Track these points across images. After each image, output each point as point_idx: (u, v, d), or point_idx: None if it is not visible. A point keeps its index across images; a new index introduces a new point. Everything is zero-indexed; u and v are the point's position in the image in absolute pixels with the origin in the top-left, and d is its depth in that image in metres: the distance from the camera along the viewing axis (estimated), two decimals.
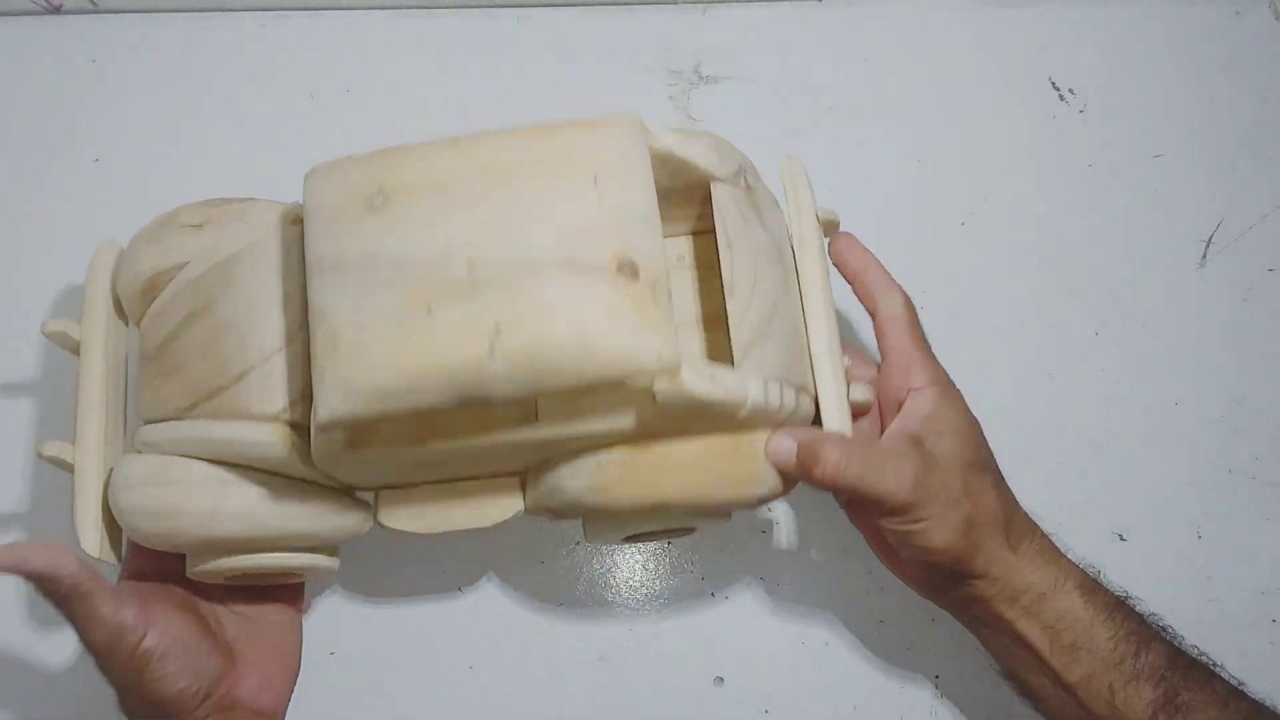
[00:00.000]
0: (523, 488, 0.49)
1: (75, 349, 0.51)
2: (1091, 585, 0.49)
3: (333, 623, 0.58)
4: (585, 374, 0.41)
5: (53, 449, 0.48)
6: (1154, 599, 0.59)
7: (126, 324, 0.52)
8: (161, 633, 0.46)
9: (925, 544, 0.47)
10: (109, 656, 0.45)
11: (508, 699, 0.57)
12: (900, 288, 0.51)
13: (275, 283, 0.47)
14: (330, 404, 0.41)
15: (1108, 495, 0.60)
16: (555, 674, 0.57)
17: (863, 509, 0.50)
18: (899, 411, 0.49)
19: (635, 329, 0.40)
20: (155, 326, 0.49)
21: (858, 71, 0.67)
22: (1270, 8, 0.70)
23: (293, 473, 0.47)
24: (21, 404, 0.60)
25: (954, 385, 0.51)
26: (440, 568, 0.58)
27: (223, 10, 0.67)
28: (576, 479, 0.46)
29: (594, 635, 0.58)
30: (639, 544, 0.58)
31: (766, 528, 0.60)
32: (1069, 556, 0.50)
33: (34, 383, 0.60)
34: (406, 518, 0.49)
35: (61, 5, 0.66)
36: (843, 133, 0.66)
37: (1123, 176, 0.66)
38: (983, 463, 0.50)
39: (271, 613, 0.53)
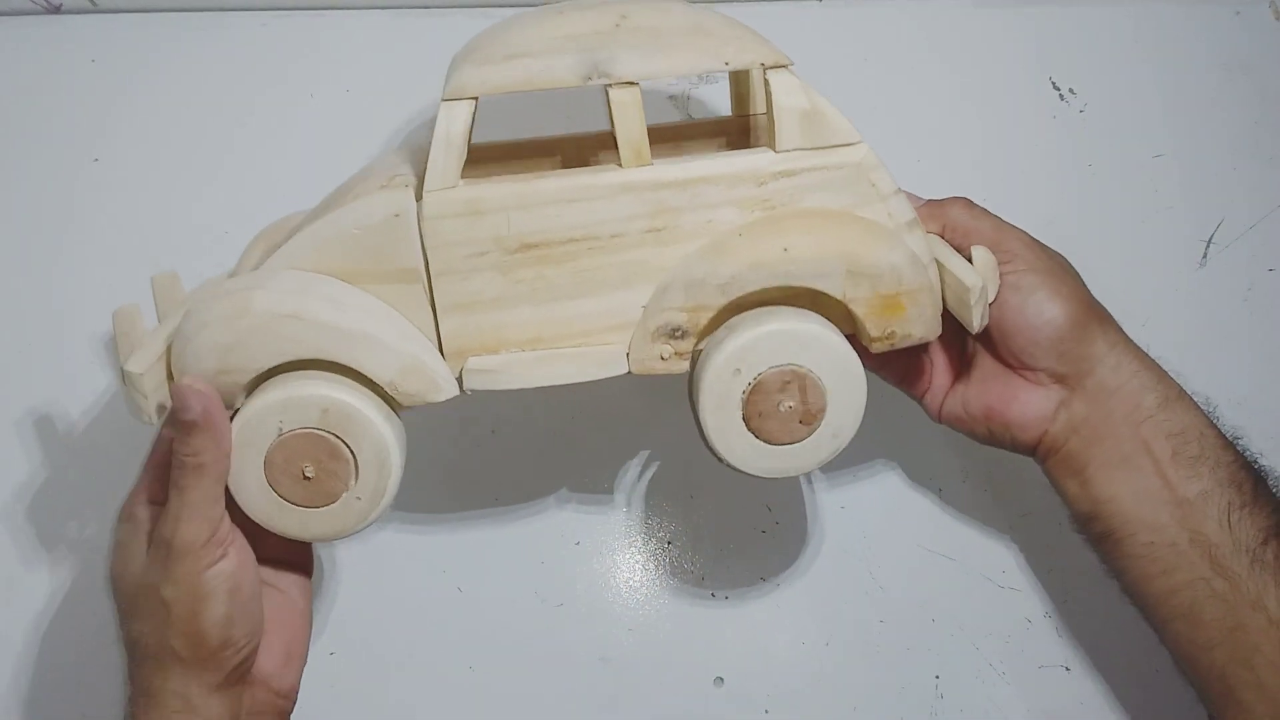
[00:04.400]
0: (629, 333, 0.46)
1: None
2: (1206, 412, 0.48)
3: (333, 623, 0.58)
4: (704, 50, 0.44)
5: (128, 307, 0.47)
6: None
7: None
8: (237, 567, 0.43)
9: (1046, 297, 0.47)
10: (178, 559, 0.42)
11: (508, 699, 0.57)
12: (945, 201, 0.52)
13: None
14: (464, 76, 0.43)
15: None
16: (555, 674, 0.57)
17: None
18: None
19: (746, 30, 0.46)
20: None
21: (858, 71, 0.67)
22: (1270, 8, 0.70)
23: (390, 261, 0.43)
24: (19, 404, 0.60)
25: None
26: (440, 568, 0.58)
27: (223, 10, 0.67)
28: (691, 258, 0.44)
29: (594, 635, 0.58)
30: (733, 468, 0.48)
31: (767, 527, 0.60)
32: None
33: (27, 388, 0.61)
34: (496, 367, 0.45)
35: (61, 5, 0.66)
36: None
37: (1123, 176, 0.66)
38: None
39: (291, 586, 0.49)
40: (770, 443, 0.46)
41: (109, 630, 0.47)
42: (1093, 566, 0.58)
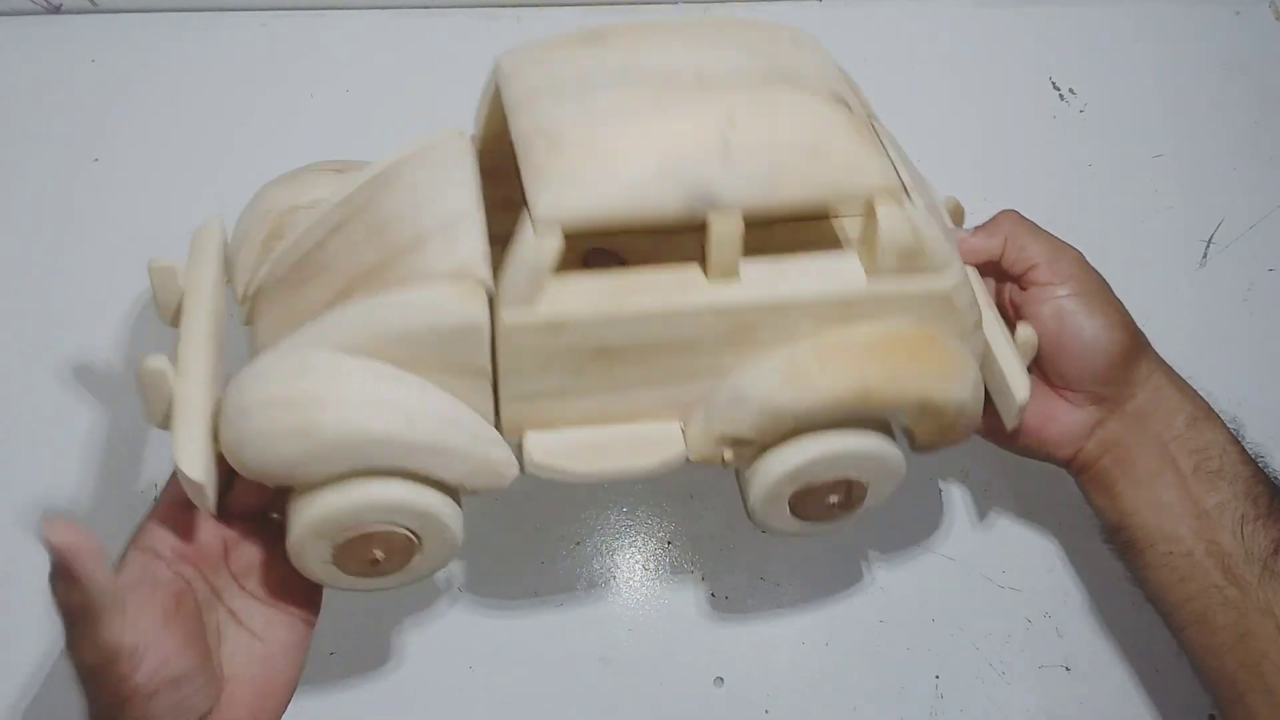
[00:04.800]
0: (683, 428, 0.45)
1: (175, 297, 0.46)
2: (1232, 431, 0.50)
3: (333, 623, 0.57)
4: (816, 180, 0.40)
5: (155, 360, 0.41)
6: None
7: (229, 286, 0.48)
8: (156, 667, 0.40)
9: (1101, 324, 0.49)
10: (92, 678, 0.40)
11: (508, 699, 0.57)
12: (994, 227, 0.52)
13: (446, 175, 0.43)
14: (557, 199, 0.38)
15: None
16: (555, 674, 0.57)
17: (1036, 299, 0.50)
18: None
19: (860, 144, 0.41)
20: (287, 256, 0.45)
21: (858, 71, 0.67)
22: (1270, 8, 0.70)
23: (457, 358, 0.41)
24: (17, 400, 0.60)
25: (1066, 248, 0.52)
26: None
27: (223, 10, 0.67)
28: (768, 378, 0.43)
29: (594, 635, 0.58)
30: (779, 534, 0.50)
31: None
32: None
33: (28, 388, 0.61)
34: (559, 456, 0.43)
35: (61, 5, 0.66)
36: None
37: (1123, 176, 0.66)
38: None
39: (281, 630, 0.45)
40: (808, 520, 0.48)
41: None
42: (1093, 567, 0.58)
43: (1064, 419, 0.51)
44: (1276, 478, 0.50)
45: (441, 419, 0.41)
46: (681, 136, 0.39)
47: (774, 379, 0.43)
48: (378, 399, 0.40)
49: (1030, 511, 0.60)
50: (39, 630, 0.57)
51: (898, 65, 0.67)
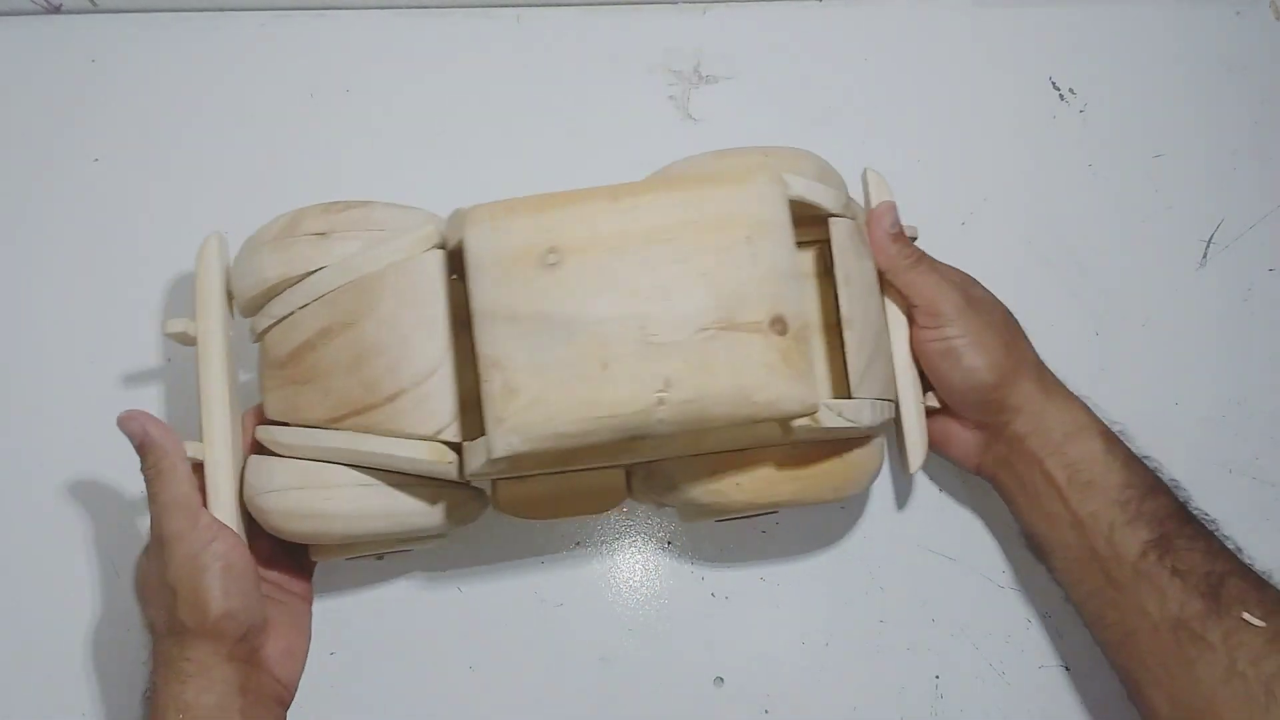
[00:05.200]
0: (627, 477, 0.54)
1: (190, 343, 0.52)
2: (1114, 438, 0.54)
3: (333, 623, 0.58)
4: (738, 417, 0.46)
5: (193, 449, 0.50)
6: None
7: (233, 314, 0.54)
8: (229, 549, 0.49)
9: (972, 363, 0.53)
10: (171, 547, 0.48)
11: (508, 699, 0.57)
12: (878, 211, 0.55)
13: (421, 309, 0.50)
14: (510, 443, 0.45)
15: None
16: (555, 674, 0.57)
17: (921, 332, 0.55)
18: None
19: (785, 380, 0.46)
20: (282, 332, 0.51)
21: (858, 71, 0.67)
22: (1270, 8, 0.70)
23: (434, 477, 0.50)
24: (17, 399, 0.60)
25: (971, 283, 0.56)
26: (440, 568, 0.58)
27: (223, 10, 0.67)
28: (696, 484, 0.52)
29: (594, 635, 0.58)
30: (721, 522, 0.59)
31: (767, 528, 0.60)
32: (1096, 415, 0.55)
33: (28, 388, 0.61)
34: (525, 507, 0.53)
35: (61, 5, 0.66)
36: (843, 132, 0.66)
37: (1123, 176, 0.66)
38: (1016, 322, 0.56)
39: (293, 586, 0.55)
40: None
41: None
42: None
43: (958, 438, 0.56)
44: (1157, 479, 0.53)
45: (421, 511, 0.51)
46: (621, 404, 0.45)
47: (700, 488, 0.52)
48: (368, 512, 0.50)
49: None
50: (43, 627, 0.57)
51: (898, 65, 0.67)
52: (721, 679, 0.58)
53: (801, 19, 0.68)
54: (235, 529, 0.50)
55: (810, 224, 0.53)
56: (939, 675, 0.58)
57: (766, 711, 0.57)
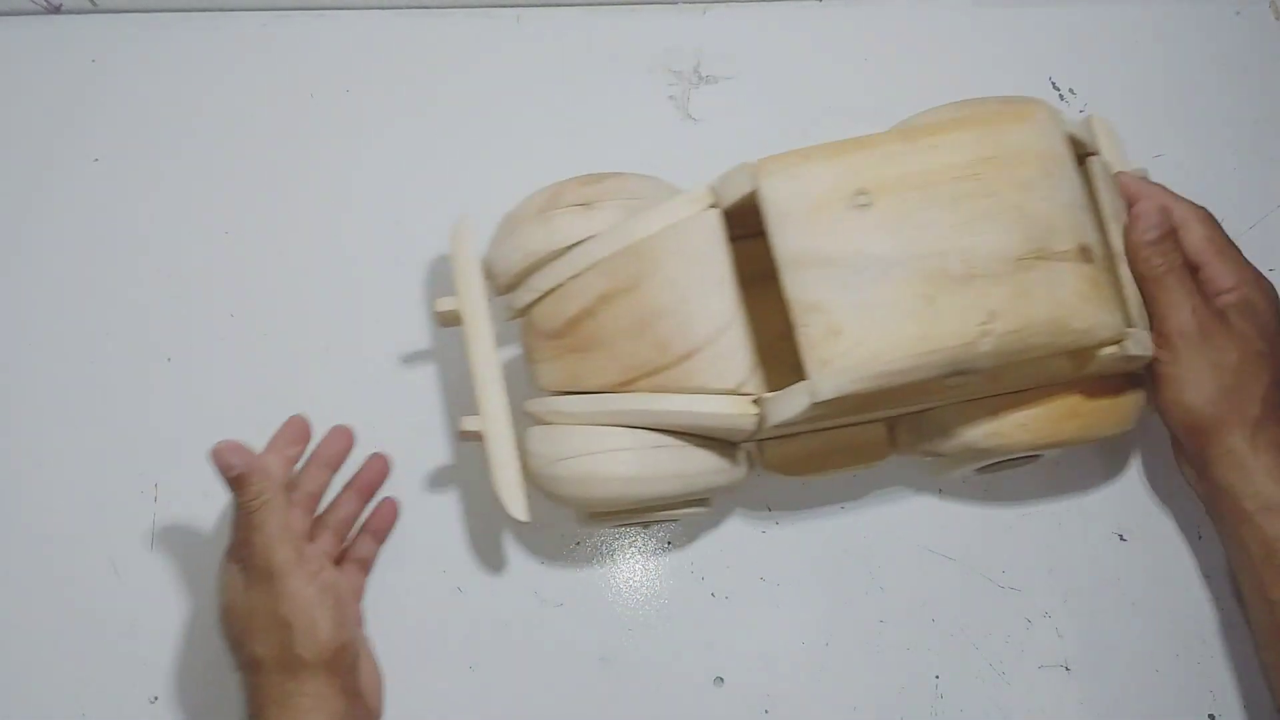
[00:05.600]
0: (890, 432, 0.55)
1: (456, 322, 0.53)
2: None
3: None
4: (1057, 346, 0.47)
5: (472, 423, 0.51)
6: (1154, 599, 0.59)
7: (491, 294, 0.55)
8: (336, 578, 0.50)
9: (1171, 397, 0.52)
10: (282, 579, 0.47)
11: (508, 699, 0.57)
12: (1191, 204, 0.54)
13: (706, 267, 0.49)
14: (839, 384, 0.45)
15: (1108, 495, 0.60)
16: (555, 674, 0.57)
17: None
18: None
19: (1096, 308, 0.47)
20: (552, 304, 0.51)
21: (858, 71, 0.67)
22: (1270, 8, 0.70)
23: (731, 432, 0.50)
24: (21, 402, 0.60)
25: (1266, 286, 0.54)
26: (440, 568, 0.58)
27: (223, 10, 0.67)
28: (975, 427, 0.52)
29: (594, 635, 0.58)
30: (982, 471, 0.59)
31: (767, 528, 0.60)
32: None
33: (28, 388, 0.61)
34: (794, 464, 0.54)
35: (61, 5, 0.66)
36: (843, 133, 0.65)
37: None
38: (1270, 359, 0.52)
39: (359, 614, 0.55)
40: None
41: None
42: (1093, 567, 0.58)
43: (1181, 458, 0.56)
44: None
45: (705, 470, 0.51)
46: (948, 337, 0.46)
47: (979, 429, 0.52)
48: (661, 473, 0.50)
49: (1030, 512, 0.60)
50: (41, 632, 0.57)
51: (898, 65, 0.67)
52: (721, 679, 0.58)
53: (801, 19, 0.68)
54: (521, 501, 0.50)
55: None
56: (939, 675, 0.58)
57: (766, 711, 0.57)
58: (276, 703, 0.47)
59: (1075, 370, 0.50)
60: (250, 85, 0.65)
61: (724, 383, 0.48)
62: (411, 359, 0.61)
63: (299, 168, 0.64)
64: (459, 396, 0.60)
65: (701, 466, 0.51)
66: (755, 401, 0.49)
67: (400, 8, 0.67)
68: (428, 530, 0.59)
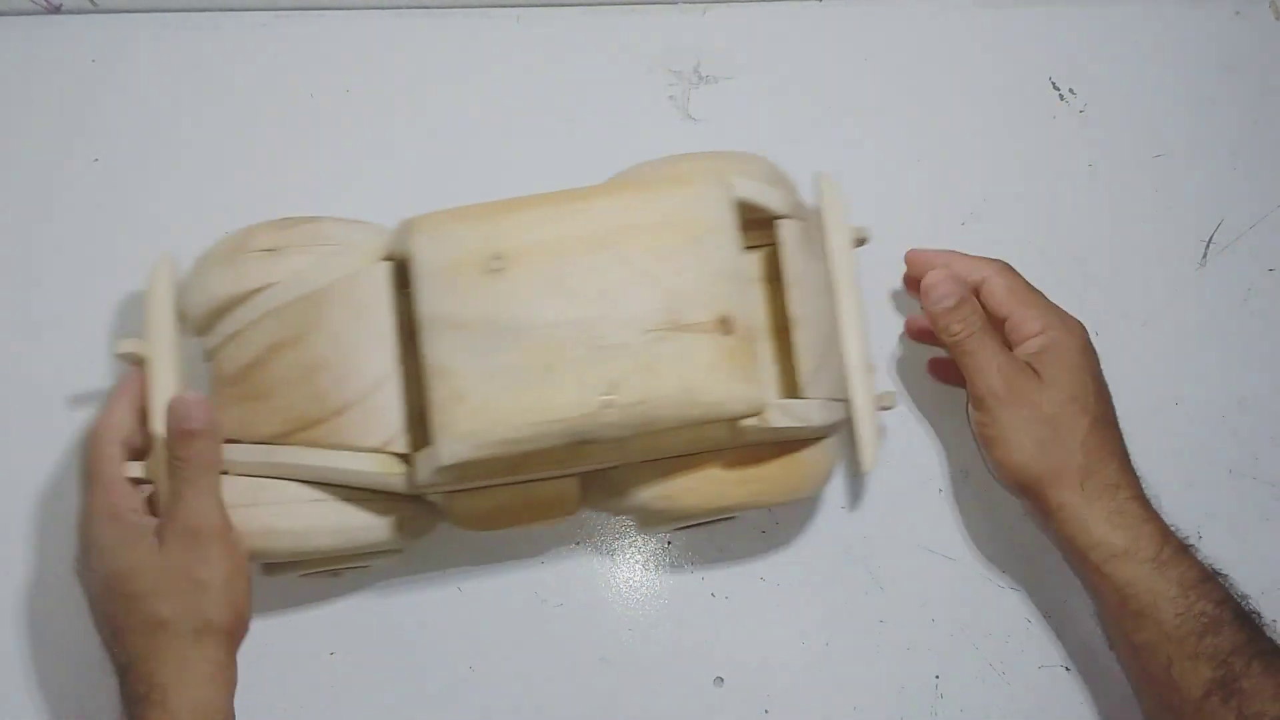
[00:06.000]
0: (581, 486, 0.53)
1: (140, 363, 0.52)
2: (1168, 559, 0.50)
3: (333, 623, 0.58)
4: (686, 419, 0.46)
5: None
6: None
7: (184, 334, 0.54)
8: (246, 546, 0.49)
9: (997, 457, 0.52)
10: (209, 543, 0.47)
11: (508, 699, 0.57)
12: (987, 260, 0.55)
13: (367, 322, 0.49)
14: (457, 450, 0.45)
15: None
16: (555, 674, 0.57)
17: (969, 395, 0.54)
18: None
19: (731, 380, 0.46)
20: (233, 350, 0.51)
21: (858, 71, 0.67)
22: (1270, 8, 0.70)
23: (385, 489, 0.50)
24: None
25: (1073, 326, 0.54)
26: (440, 569, 0.58)
27: (223, 10, 0.67)
28: (648, 489, 0.51)
29: (594, 635, 0.58)
30: (679, 532, 0.59)
31: (767, 527, 0.60)
32: (1159, 522, 0.51)
33: (27, 388, 0.61)
34: (478, 519, 0.52)
35: (61, 5, 0.66)
36: (843, 133, 0.66)
37: (1123, 176, 0.66)
38: (1084, 402, 0.52)
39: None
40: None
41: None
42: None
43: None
44: (1215, 607, 0.49)
45: (372, 525, 0.50)
46: (567, 408, 0.45)
47: (650, 491, 0.51)
48: (318, 528, 0.50)
49: (1030, 512, 0.60)
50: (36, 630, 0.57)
51: (898, 65, 0.67)
52: (721, 679, 0.58)
53: (801, 19, 0.68)
54: None
55: (763, 228, 0.52)
56: (939, 675, 0.58)
57: (766, 711, 0.57)
58: (175, 667, 0.47)
59: (731, 438, 0.49)
60: (250, 85, 0.65)
61: (370, 440, 0.48)
62: None
63: (299, 168, 0.64)
64: None
65: (364, 522, 0.50)
66: (407, 460, 0.48)
67: (400, 8, 0.67)
68: (426, 537, 0.59)
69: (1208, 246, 0.65)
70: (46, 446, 0.59)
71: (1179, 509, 0.60)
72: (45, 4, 0.66)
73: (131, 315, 0.62)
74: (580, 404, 0.45)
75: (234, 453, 0.50)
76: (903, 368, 0.62)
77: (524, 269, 0.46)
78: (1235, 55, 0.68)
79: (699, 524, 0.55)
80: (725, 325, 0.46)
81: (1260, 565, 0.60)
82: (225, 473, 0.49)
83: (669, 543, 0.60)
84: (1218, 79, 0.68)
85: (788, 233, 0.52)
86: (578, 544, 0.59)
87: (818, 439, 0.53)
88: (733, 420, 0.47)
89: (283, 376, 0.49)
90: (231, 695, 0.48)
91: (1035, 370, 0.52)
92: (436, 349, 0.46)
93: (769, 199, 0.51)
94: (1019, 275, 0.55)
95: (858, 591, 0.59)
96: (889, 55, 0.68)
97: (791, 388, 0.52)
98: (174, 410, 0.48)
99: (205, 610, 0.47)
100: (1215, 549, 0.59)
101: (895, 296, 0.62)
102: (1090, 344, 0.54)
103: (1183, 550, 0.51)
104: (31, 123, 0.64)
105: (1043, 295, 0.55)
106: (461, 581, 0.58)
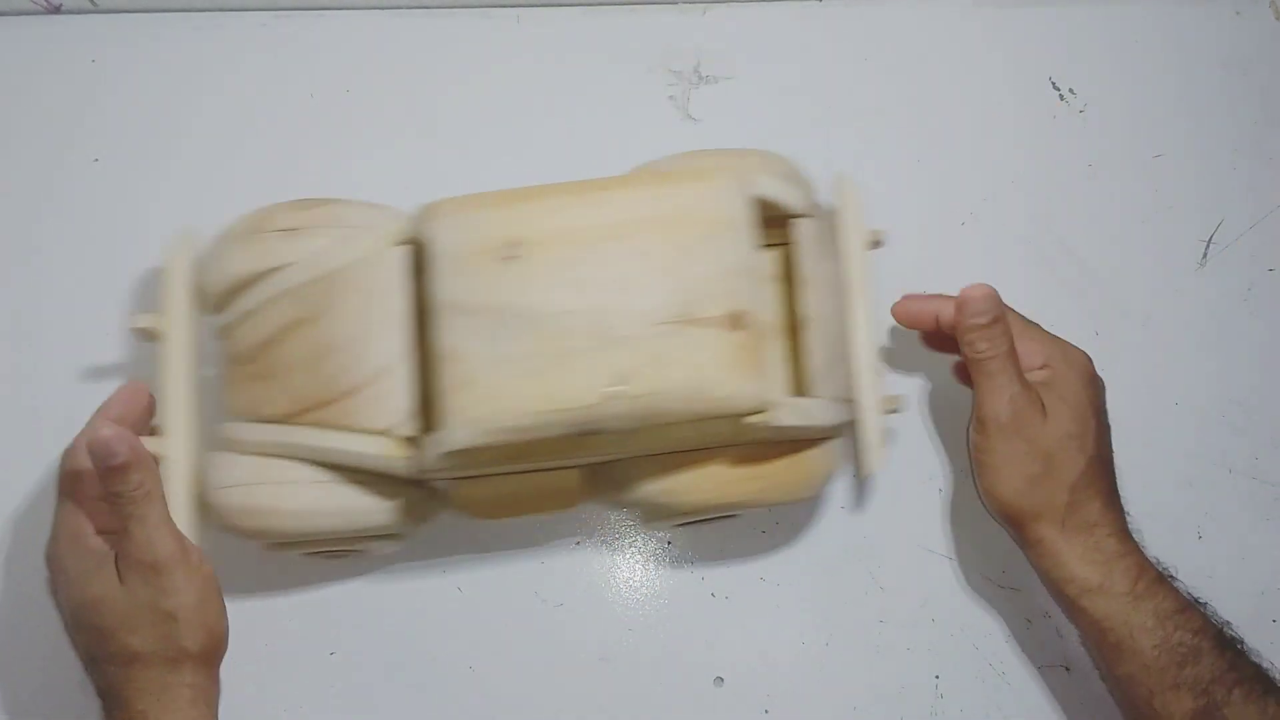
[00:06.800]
0: (583, 478, 0.53)
1: (156, 338, 0.52)
2: (1143, 591, 0.50)
3: (333, 623, 0.58)
4: (692, 413, 0.46)
5: (152, 444, 0.50)
6: None
7: (200, 311, 0.54)
8: (212, 568, 0.49)
9: (984, 484, 0.52)
10: (169, 573, 0.46)
11: (508, 699, 0.57)
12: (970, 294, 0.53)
13: (381, 305, 0.49)
14: (464, 436, 0.45)
15: None
16: (555, 674, 0.57)
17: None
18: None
19: (739, 377, 0.46)
20: (248, 327, 0.51)
21: (858, 71, 0.67)
22: (1270, 8, 0.70)
23: (389, 473, 0.49)
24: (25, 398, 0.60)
25: (1075, 358, 0.53)
26: (440, 568, 0.58)
27: (223, 10, 0.67)
28: (653, 483, 0.51)
29: (594, 635, 0.58)
30: (680, 531, 0.59)
31: (767, 527, 0.60)
32: (1137, 556, 0.51)
33: (26, 388, 0.61)
34: (481, 507, 0.53)
35: (61, 5, 0.66)
36: (843, 133, 0.66)
37: (1123, 176, 0.66)
38: (1082, 440, 0.51)
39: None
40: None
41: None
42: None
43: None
44: (1193, 637, 0.49)
45: (376, 508, 0.50)
46: (574, 398, 0.45)
47: (655, 485, 0.51)
48: (323, 509, 0.49)
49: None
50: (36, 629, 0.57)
51: (898, 65, 0.67)
52: (721, 679, 0.58)
53: (801, 19, 0.68)
54: (190, 527, 0.50)
55: (780, 226, 0.52)
56: (939, 675, 0.58)
57: (766, 711, 0.57)
58: (155, 695, 0.47)
59: (736, 435, 0.49)
60: (250, 85, 0.65)
61: (376, 423, 0.48)
62: None
63: (299, 167, 0.64)
64: None
65: (367, 505, 0.50)
66: (413, 444, 0.48)
67: (400, 8, 0.67)
68: (427, 530, 0.59)
69: (1208, 246, 0.65)
70: (44, 449, 0.59)
71: (1179, 509, 0.60)
72: (45, 4, 0.66)
73: (128, 316, 0.62)
74: (587, 394, 0.45)
75: (241, 431, 0.50)
76: (903, 367, 0.62)
77: (539, 257, 0.46)
78: (1235, 55, 0.68)
79: (701, 521, 0.55)
80: (736, 321, 0.46)
81: (1260, 565, 0.60)
82: (228, 450, 0.50)
83: (669, 542, 0.60)
84: (1218, 79, 0.68)
85: (803, 232, 0.52)
86: (578, 543, 0.59)
87: (823, 439, 0.53)
88: (739, 416, 0.47)
89: (295, 356, 0.49)
90: (215, 711, 0.49)
91: (1043, 406, 0.52)
92: (448, 334, 0.46)
93: (788, 197, 0.51)
94: (1013, 310, 0.54)
95: (858, 591, 0.59)
96: (889, 55, 0.68)
97: (800, 387, 0.52)
98: (94, 451, 0.46)
99: (178, 640, 0.47)
100: (1215, 549, 0.59)
101: (899, 297, 0.62)
102: (1094, 374, 0.54)
103: (1159, 581, 0.51)
104: (31, 123, 0.64)
105: (1041, 328, 0.55)
106: (461, 581, 0.58)
